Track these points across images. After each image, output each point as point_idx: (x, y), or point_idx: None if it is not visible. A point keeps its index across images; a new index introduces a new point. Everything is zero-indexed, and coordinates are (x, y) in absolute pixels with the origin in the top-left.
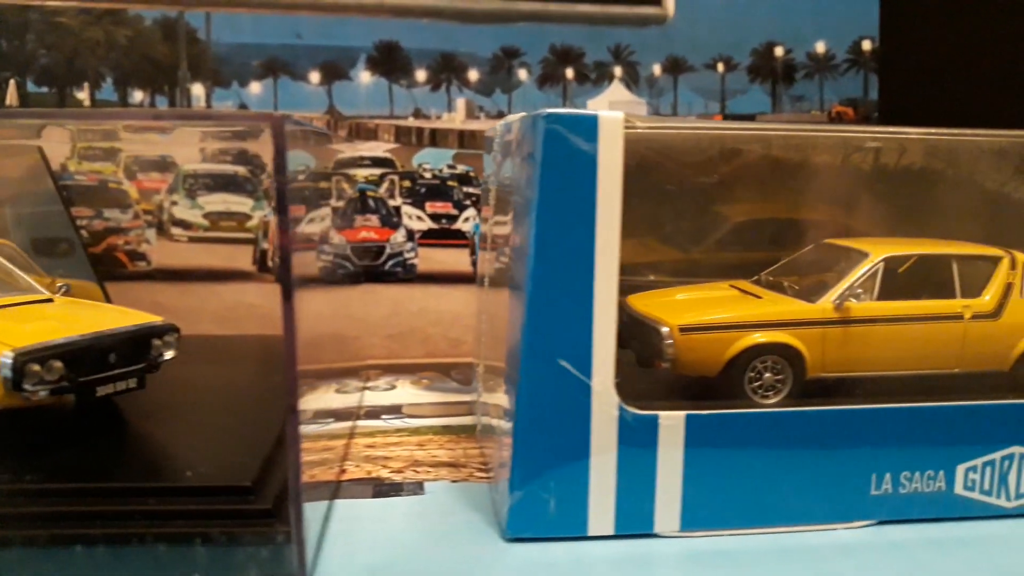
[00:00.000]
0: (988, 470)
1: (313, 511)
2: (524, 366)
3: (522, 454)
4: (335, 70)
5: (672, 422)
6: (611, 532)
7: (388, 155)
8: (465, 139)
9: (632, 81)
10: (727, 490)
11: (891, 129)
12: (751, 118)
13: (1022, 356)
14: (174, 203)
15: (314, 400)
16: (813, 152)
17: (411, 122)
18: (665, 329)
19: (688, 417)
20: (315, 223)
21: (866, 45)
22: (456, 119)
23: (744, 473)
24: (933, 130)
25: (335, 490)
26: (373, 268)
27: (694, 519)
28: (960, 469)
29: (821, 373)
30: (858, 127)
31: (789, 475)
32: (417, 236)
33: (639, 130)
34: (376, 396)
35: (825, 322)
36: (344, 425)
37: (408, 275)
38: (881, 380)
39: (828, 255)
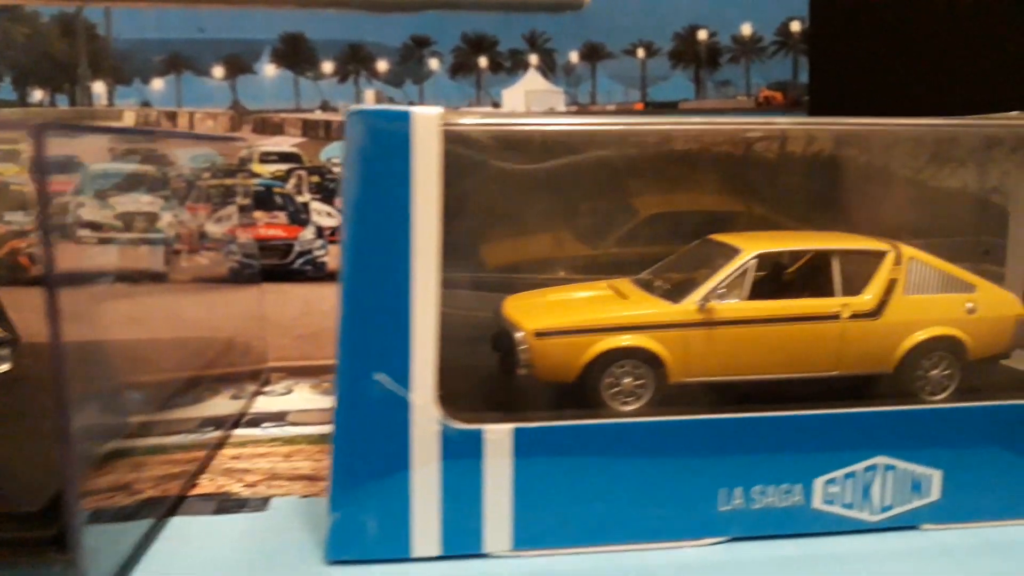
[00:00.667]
0: (849, 482)
1: (123, 534)
2: (340, 377)
3: (340, 471)
4: (239, 64)
5: (498, 436)
6: (437, 553)
7: (294, 150)
8: None
9: (549, 69)
10: (562, 507)
11: (774, 120)
12: (674, 105)
13: (906, 357)
14: (81, 204)
15: (186, 408)
16: (713, 143)
17: (319, 115)
18: (520, 334)
19: (516, 431)
20: (221, 222)
21: (795, 26)
22: None
23: (580, 488)
24: (834, 120)
25: (172, 507)
26: (281, 267)
27: (527, 538)
28: (818, 482)
29: (685, 378)
30: (732, 119)
31: (629, 489)
32: (327, 233)
33: (460, 127)
34: (268, 401)
35: (687, 324)
36: (212, 435)
37: (318, 273)
38: (755, 385)
39: (707, 252)
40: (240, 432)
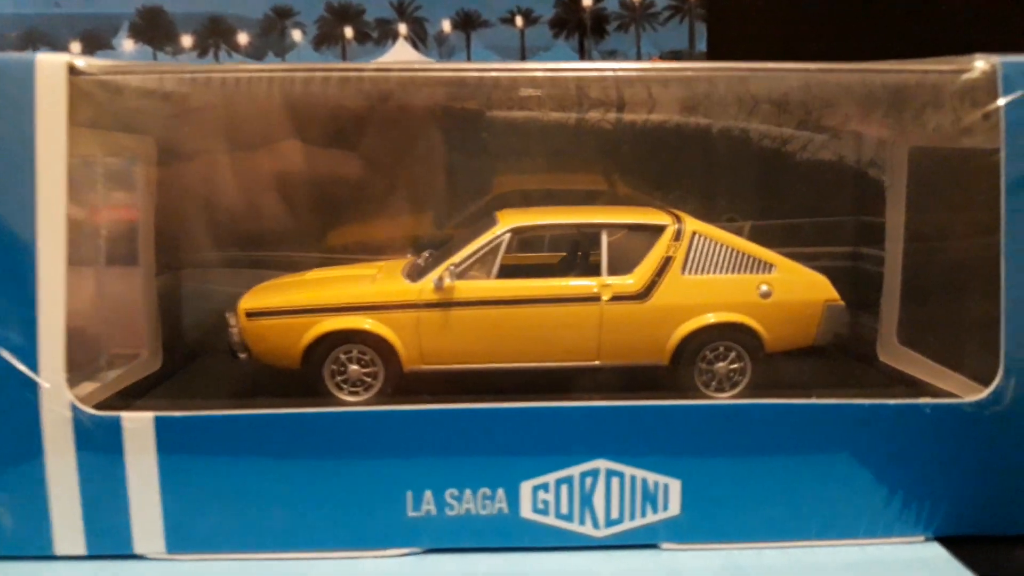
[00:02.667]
0: (564, 489)
1: None
2: None
3: None
4: (96, 39)
5: (138, 425)
6: (83, 552)
7: None
8: None
9: (419, 39)
10: (220, 507)
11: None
12: None
13: (682, 347)
14: None
15: None
16: (542, 109)
17: None
18: (230, 314)
19: (157, 420)
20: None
21: None
22: None
23: (240, 487)
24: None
25: None
26: None
27: (182, 540)
28: (525, 487)
29: (422, 366)
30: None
31: (300, 490)
32: None
33: (99, 77)
34: None
35: (419, 305)
36: None
37: None
38: (511, 375)
39: (481, 227)
40: None
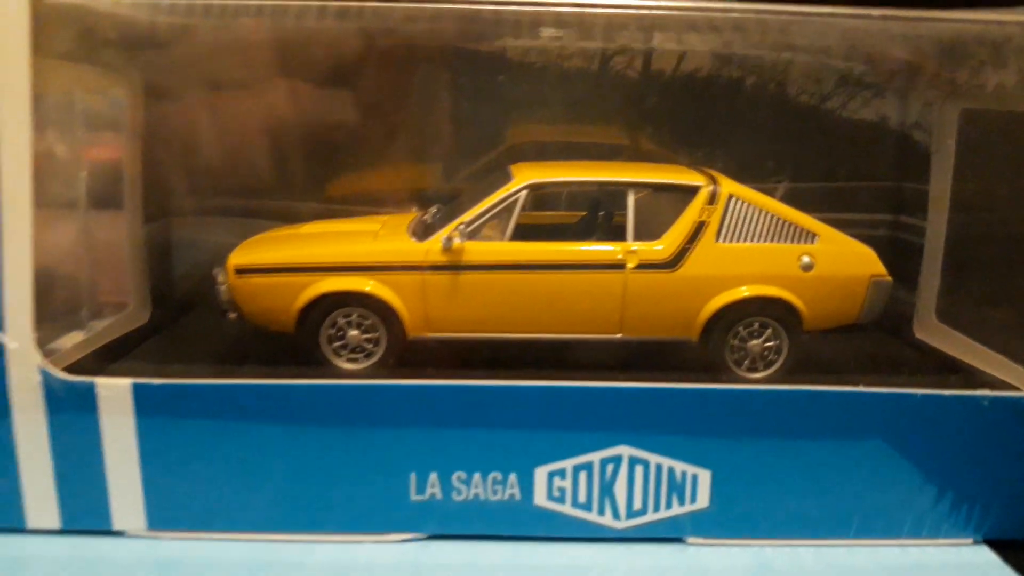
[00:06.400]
0: (583, 476)
1: None
2: None
3: None
4: None
5: (114, 392)
6: (57, 526)
7: None
8: None
9: None
10: (206, 483)
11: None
12: None
13: (712, 322)
14: None
15: None
16: (559, 57)
17: None
18: (217, 270)
19: (136, 387)
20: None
21: None
22: None
23: (228, 462)
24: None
25: None
26: None
27: (165, 517)
28: (540, 472)
29: (428, 333)
30: None
31: (293, 466)
32: None
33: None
34: None
35: (425, 267)
36: None
37: None
38: (521, 346)
39: (496, 181)
40: None
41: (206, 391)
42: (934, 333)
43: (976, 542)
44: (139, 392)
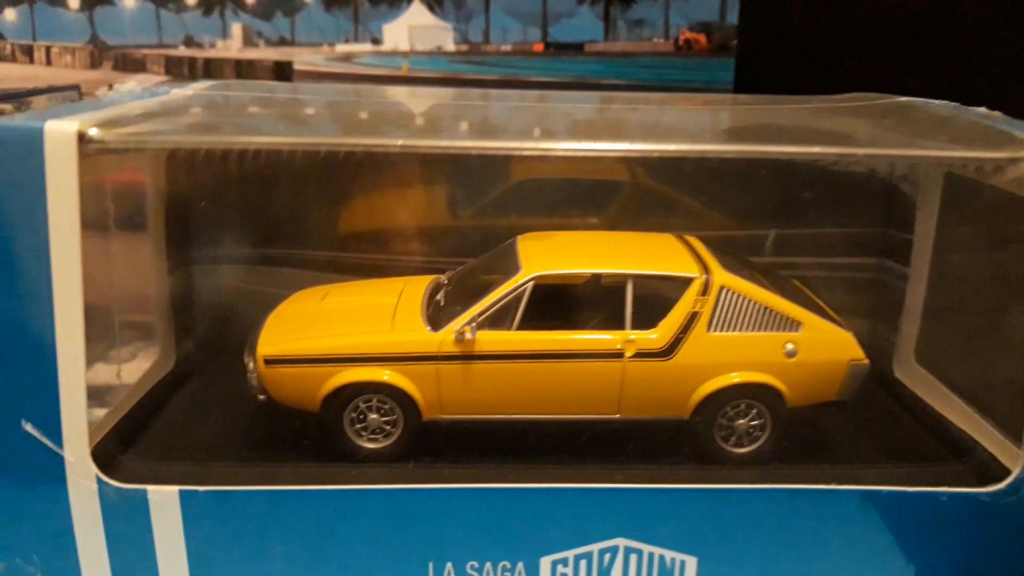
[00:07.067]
0: (583, 564)
1: None
2: None
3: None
4: None
5: (163, 498)
6: None
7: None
8: (243, 69)
9: (436, 1)
10: None
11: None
12: (579, 47)
13: (703, 405)
14: None
15: None
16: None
17: (182, 51)
18: (248, 359)
19: (182, 495)
20: None
21: None
22: (232, 47)
23: (265, 560)
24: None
25: None
26: None
27: None
28: (545, 561)
29: (441, 415)
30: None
31: (326, 563)
32: None
33: (108, 144)
34: None
35: (440, 357)
36: None
37: None
38: (527, 425)
39: (503, 260)
40: None
41: (244, 497)
42: (911, 374)
43: None
44: (185, 499)
